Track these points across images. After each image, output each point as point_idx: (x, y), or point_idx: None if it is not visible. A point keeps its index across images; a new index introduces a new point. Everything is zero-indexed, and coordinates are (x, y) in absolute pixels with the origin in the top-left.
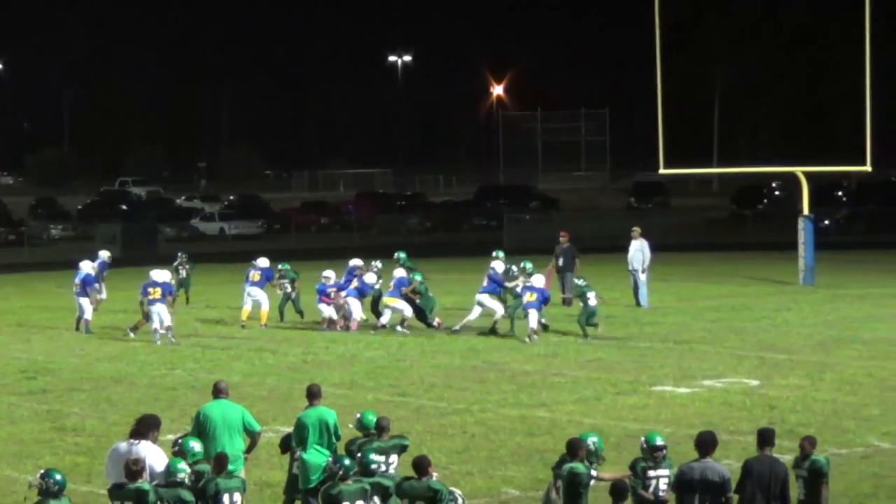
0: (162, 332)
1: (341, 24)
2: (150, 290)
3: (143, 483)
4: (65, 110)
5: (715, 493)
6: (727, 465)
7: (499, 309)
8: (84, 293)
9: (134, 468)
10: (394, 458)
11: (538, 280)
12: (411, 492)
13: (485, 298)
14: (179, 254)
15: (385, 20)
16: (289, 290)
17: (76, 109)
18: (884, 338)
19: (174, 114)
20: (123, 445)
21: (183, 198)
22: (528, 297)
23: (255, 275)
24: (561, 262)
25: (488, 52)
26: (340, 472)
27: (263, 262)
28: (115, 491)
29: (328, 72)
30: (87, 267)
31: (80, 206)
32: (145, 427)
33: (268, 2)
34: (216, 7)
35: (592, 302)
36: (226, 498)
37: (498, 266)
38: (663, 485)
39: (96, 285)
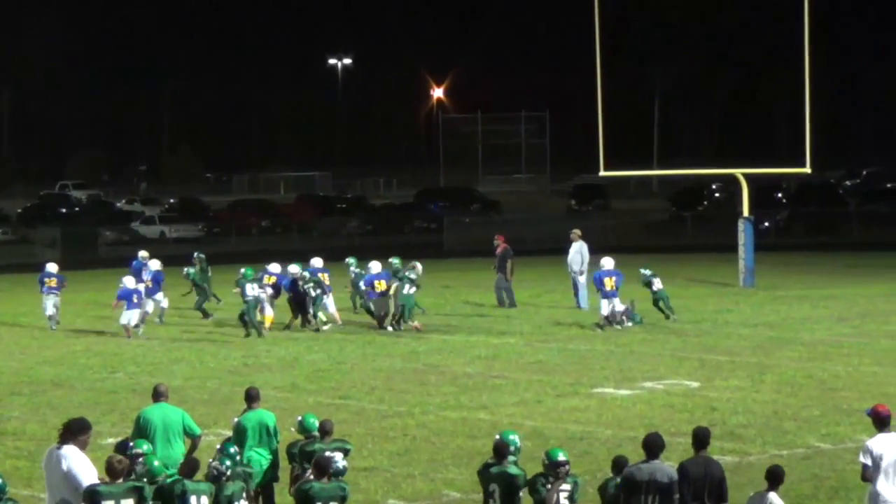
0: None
1: (281, 27)
2: (46, 280)
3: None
4: (3, 113)
5: (663, 494)
6: (670, 466)
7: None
8: (157, 289)
9: (118, 466)
10: None
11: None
12: (322, 493)
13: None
14: (196, 254)
15: (325, 23)
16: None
17: (15, 112)
18: (823, 339)
19: (114, 117)
20: (51, 450)
21: (123, 201)
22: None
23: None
24: (496, 264)
25: (428, 55)
26: (228, 473)
27: (275, 267)
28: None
29: (268, 74)
30: (155, 265)
31: (19, 210)
32: (69, 432)
33: (207, 3)
34: (155, 9)
35: (658, 286)
36: (193, 499)
37: (608, 262)
38: (564, 499)
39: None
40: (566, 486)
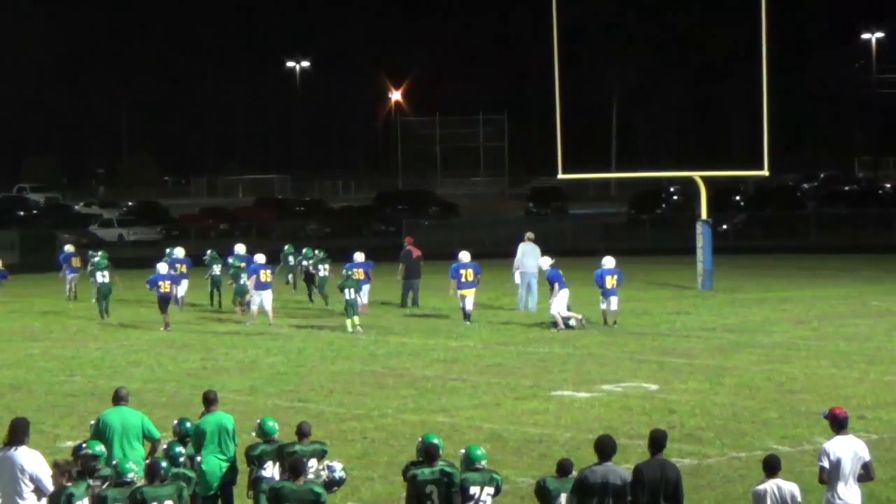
0: None
1: (239, 29)
2: None
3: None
4: None
5: (617, 496)
6: (626, 468)
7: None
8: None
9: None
10: (313, 462)
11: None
12: (292, 496)
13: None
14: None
15: (283, 26)
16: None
17: None
18: (781, 341)
19: (72, 120)
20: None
21: (81, 204)
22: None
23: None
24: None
25: (386, 58)
26: (161, 474)
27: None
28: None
29: (226, 77)
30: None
31: None
32: (20, 432)
33: (166, 6)
34: (112, 12)
35: (323, 273)
36: None
37: (609, 261)
38: (486, 496)
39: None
40: (490, 490)
